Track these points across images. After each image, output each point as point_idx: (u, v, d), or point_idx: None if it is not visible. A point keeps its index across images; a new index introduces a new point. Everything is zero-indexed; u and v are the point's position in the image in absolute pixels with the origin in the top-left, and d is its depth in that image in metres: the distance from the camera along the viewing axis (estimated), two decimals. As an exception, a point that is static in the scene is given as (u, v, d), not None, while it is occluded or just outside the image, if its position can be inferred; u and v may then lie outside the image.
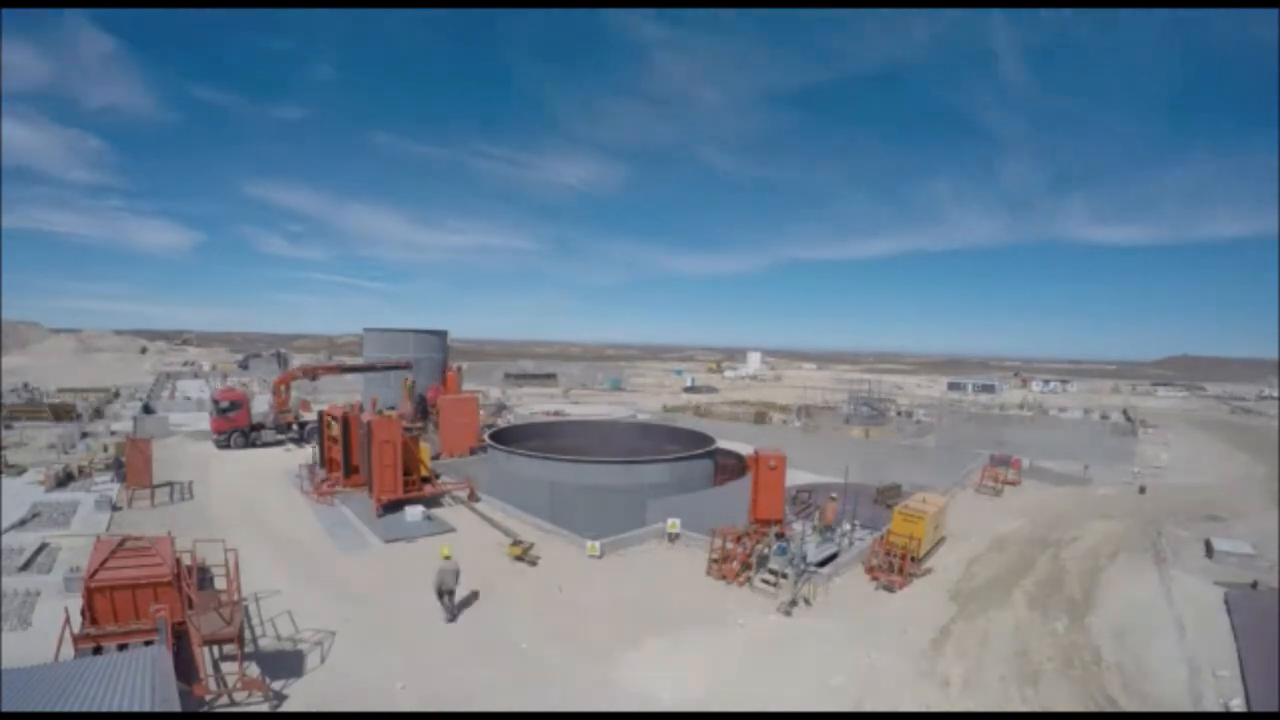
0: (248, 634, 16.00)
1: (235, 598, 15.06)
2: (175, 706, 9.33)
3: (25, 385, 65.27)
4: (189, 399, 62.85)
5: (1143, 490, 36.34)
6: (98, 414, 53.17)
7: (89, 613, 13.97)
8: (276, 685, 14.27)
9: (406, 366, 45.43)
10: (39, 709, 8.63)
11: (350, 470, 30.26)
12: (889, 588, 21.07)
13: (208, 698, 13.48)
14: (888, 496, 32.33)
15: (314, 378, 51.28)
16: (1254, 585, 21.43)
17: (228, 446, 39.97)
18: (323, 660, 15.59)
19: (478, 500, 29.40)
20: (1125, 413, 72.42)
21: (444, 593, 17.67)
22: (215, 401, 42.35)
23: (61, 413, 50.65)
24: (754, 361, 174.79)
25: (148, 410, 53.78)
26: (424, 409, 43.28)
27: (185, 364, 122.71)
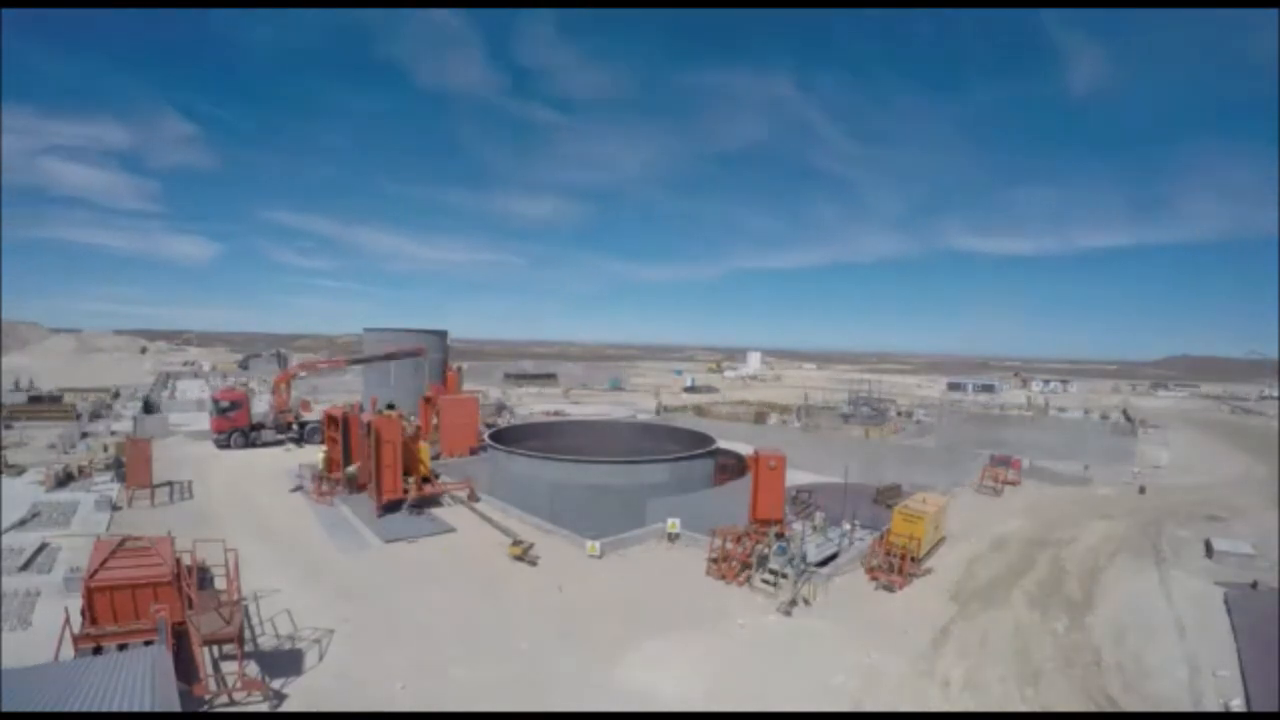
0: (247, 634, 15.99)
1: (235, 598, 15.06)
2: (175, 706, 9.32)
3: (16, 385, 64.99)
4: (189, 399, 62.86)
5: (1143, 490, 36.34)
6: (95, 415, 53.14)
7: (89, 613, 13.96)
8: (276, 684, 14.27)
9: (419, 353, 44.94)
10: (39, 709, 8.62)
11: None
12: (889, 588, 21.06)
13: (208, 697, 13.48)
14: (888, 496, 32.31)
15: (316, 373, 50.80)
16: (1254, 585, 21.43)
17: (228, 446, 39.95)
18: (321, 658, 15.60)
19: (478, 500, 29.39)
20: (1125, 413, 72.42)
21: None
22: (215, 401, 42.33)
23: (66, 410, 50.99)
24: (754, 361, 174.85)
25: (148, 410, 53.78)
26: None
27: (185, 364, 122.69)
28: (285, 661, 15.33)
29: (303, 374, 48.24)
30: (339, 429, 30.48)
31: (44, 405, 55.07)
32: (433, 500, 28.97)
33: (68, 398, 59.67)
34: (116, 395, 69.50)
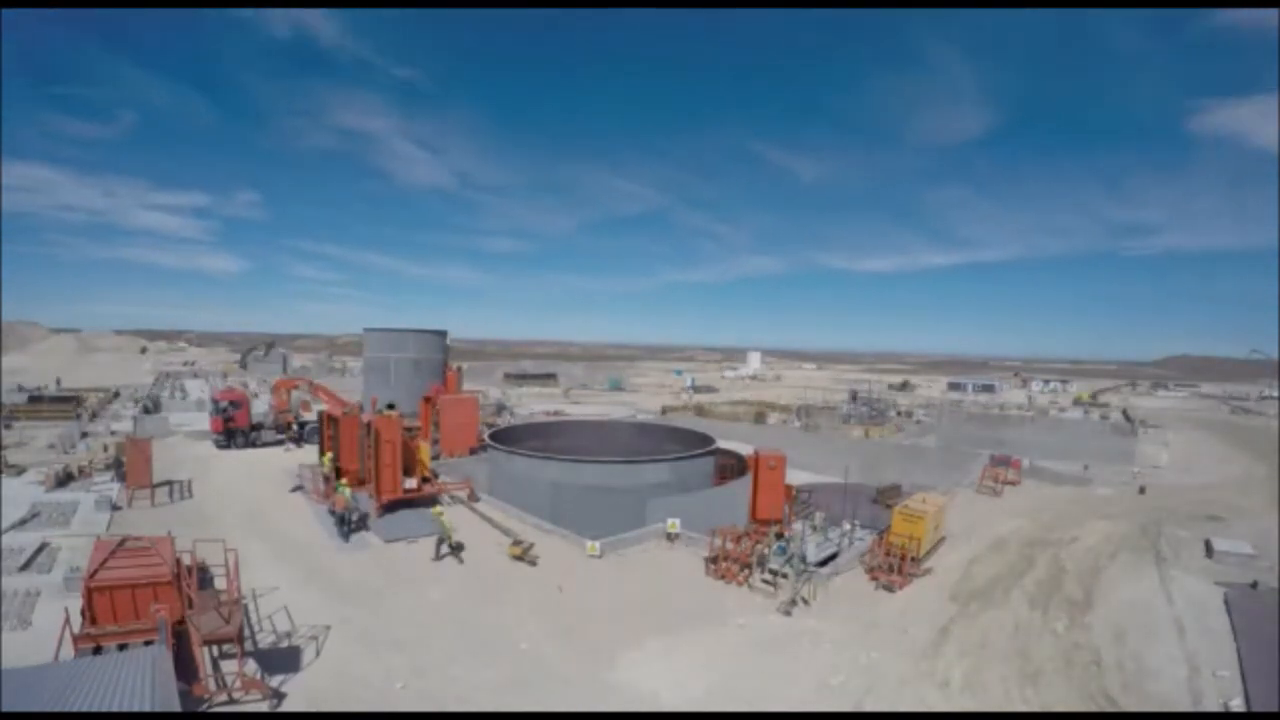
0: (246, 633, 15.99)
1: (235, 597, 15.07)
2: (175, 706, 9.32)
3: (19, 387, 65.01)
4: (189, 399, 62.84)
5: (1142, 490, 36.34)
6: (93, 415, 53.17)
7: (89, 613, 13.96)
8: (275, 683, 14.28)
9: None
10: (39, 709, 8.62)
11: (339, 471, 30.03)
12: (889, 588, 21.06)
13: (207, 697, 13.49)
14: (888, 496, 32.31)
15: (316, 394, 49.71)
16: (1254, 585, 21.42)
17: (228, 447, 39.94)
18: (318, 653, 15.64)
19: (478, 500, 29.39)
20: (1125, 413, 72.40)
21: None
22: (215, 401, 42.30)
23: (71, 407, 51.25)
24: (754, 362, 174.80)
25: (149, 410, 53.77)
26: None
27: (185, 364, 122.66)
28: (284, 661, 15.33)
29: (300, 386, 48.07)
30: (335, 429, 30.51)
31: (44, 405, 55.07)
32: (432, 500, 28.95)
33: (89, 398, 60.37)
34: (116, 395, 69.53)
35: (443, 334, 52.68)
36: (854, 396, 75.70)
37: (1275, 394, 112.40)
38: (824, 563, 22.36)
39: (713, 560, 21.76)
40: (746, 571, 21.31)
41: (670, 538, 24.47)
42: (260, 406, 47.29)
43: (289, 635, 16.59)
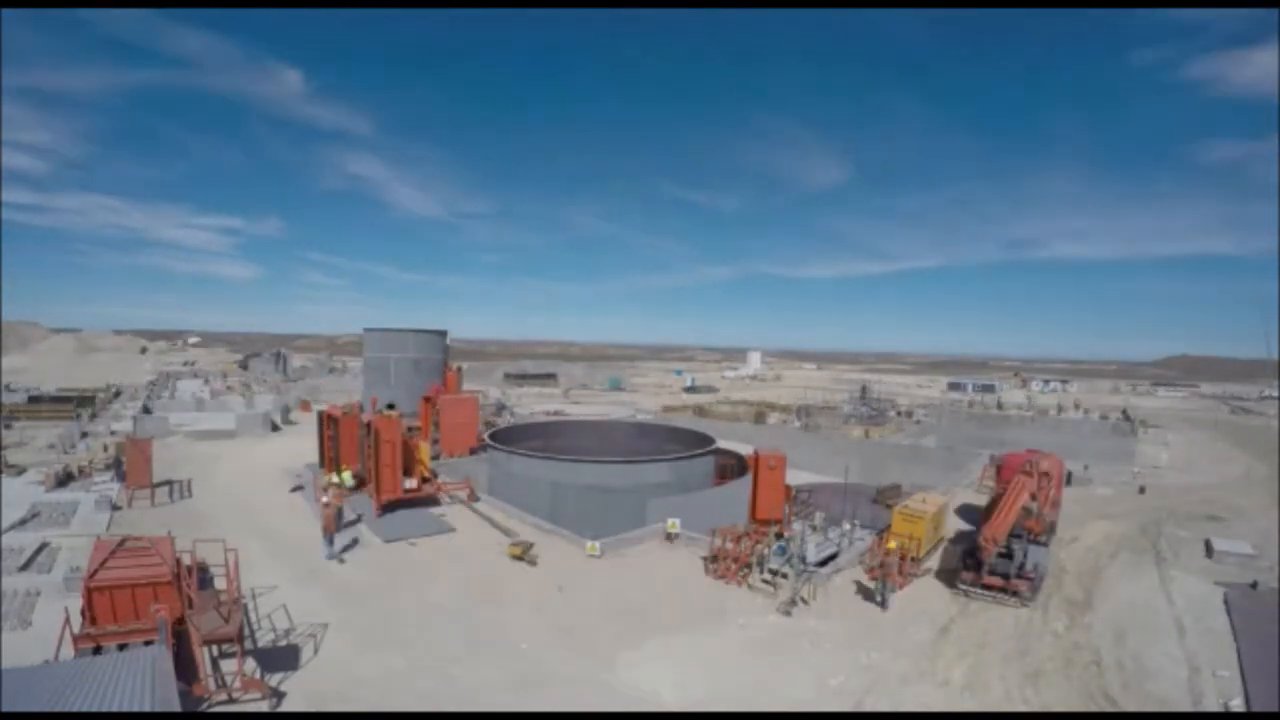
0: (246, 633, 15.99)
1: (235, 597, 15.07)
2: (175, 706, 9.32)
3: (8, 386, 64.89)
4: (188, 399, 62.84)
5: (1143, 490, 36.32)
6: (93, 415, 53.18)
7: (89, 613, 13.95)
8: (275, 682, 14.29)
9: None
10: (39, 709, 8.62)
11: (337, 472, 30.07)
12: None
13: (207, 697, 13.49)
14: (888, 496, 32.31)
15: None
16: (1254, 585, 21.43)
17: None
18: (316, 650, 15.65)
19: (477, 500, 29.39)
20: (1125, 413, 72.35)
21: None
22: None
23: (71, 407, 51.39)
24: (754, 361, 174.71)
25: (149, 409, 53.77)
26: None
27: (185, 364, 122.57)
28: (284, 660, 15.34)
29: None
30: (335, 429, 30.53)
31: (44, 405, 55.11)
32: (432, 500, 28.96)
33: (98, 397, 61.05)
34: (117, 394, 69.58)
35: (443, 334, 52.62)
36: (864, 392, 75.74)
37: (1275, 394, 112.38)
38: (824, 563, 22.34)
39: (712, 560, 21.76)
40: (746, 571, 21.31)
41: (670, 538, 24.47)
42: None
43: (289, 635, 16.60)
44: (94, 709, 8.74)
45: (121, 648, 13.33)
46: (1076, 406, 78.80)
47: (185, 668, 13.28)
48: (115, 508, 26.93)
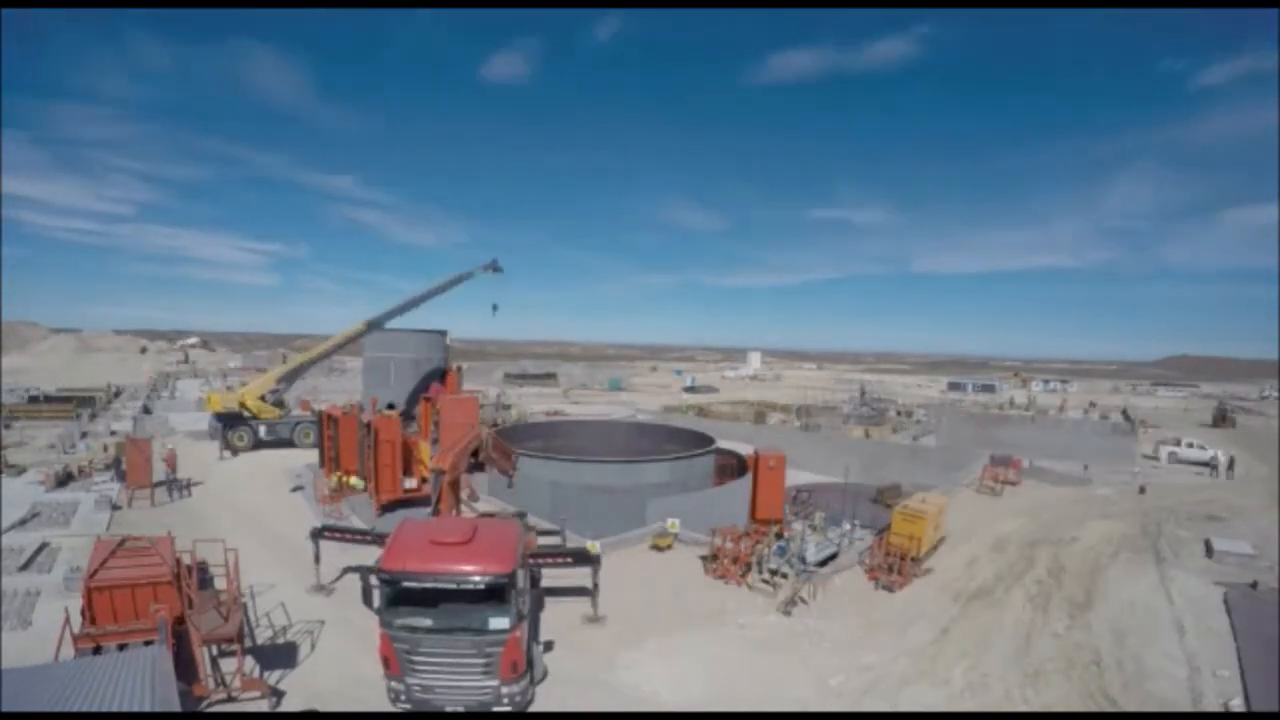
0: (246, 632, 16.00)
1: (235, 597, 15.07)
2: (175, 706, 9.31)
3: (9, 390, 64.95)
4: (188, 399, 62.84)
5: (1143, 490, 36.34)
6: (93, 415, 53.15)
7: (89, 613, 13.94)
8: (275, 682, 14.29)
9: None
10: (39, 709, 8.62)
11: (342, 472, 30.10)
12: (889, 588, 21.06)
13: (207, 696, 13.49)
14: (888, 496, 32.32)
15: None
16: (1254, 585, 21.43)
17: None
18: (318, 652, 15.64)
19: (477, 500, 29.38)
20: (1125, 412, 72.32)
21: None
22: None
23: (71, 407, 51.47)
24: (754, 361, 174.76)
25: (149, 409, 53.80)
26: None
27: (180, 363, 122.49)
28: (284, 660, 15.35)
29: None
30: (334, 429, 30.53)
31: (44, 405, 55.11)
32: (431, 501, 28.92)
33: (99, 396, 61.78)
34: (118, 394, 69.59)
35: (443, 333, 52.63)
36: (862, 393, 75.71)
37: (1275, 394, 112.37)
38: (824, 563, 22.35)
39: (712, 559, 21.75)
40: (746, 571, 21.31)
41: (659, 549, 24.32)
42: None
43: (288, 634, 16.61)
44: (94, 709, 8.73)
45: (121, 648, 13.32)
46: (1089, 408, 78.23)
47: (185, 668, 13.27)
48: (115, 508, 26.94)
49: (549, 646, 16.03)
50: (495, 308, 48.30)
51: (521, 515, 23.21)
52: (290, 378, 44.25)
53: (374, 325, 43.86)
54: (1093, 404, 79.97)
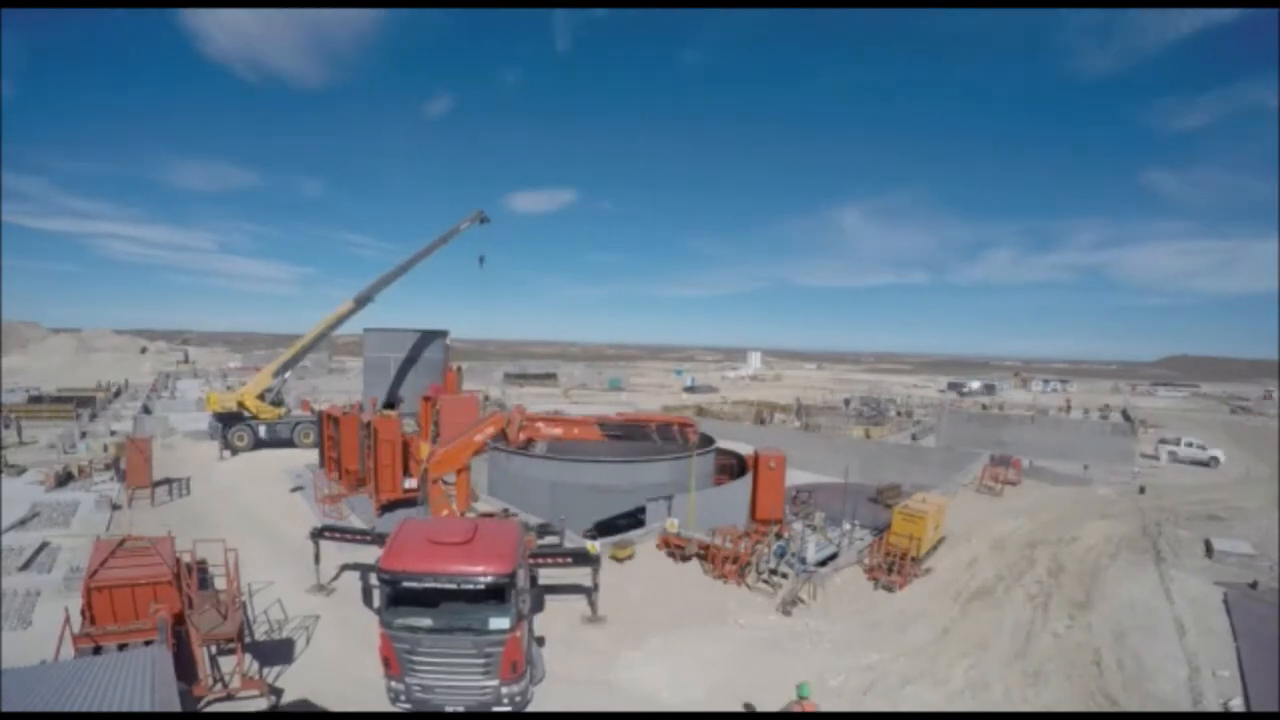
0: (245, 631, 16.00)
1: (235, 596, 15.07)
2: (175, 706, 9.31)
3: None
4: (189, 399, 62.84)
5: (1143, 490, 36.34)
6: (93, 415, 53.17)
7: (89, 612, 13.94)
8: (272, 679, 14.32)
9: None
10: (39, 709, 8.61)
11: (342, 472, 30.12)
12: (889, 588, 21.06)
13: (206, 696, 13.50)
14: (888, 496, 32.31)
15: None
16: (1254, 585, 21.43)
17: None
18: (316, 650, 15.65)
19: (477, 500, 29.36)
20: (1125, 413, 72.29)
21: None
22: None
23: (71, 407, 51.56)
24: (754, 361, 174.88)
25: (149, 409, 53.82)
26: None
27: (178, 363, 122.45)
28: (284, 659, 15.37)
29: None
30: (335, 429, 30.53)
31: (44, 405, 55.13)
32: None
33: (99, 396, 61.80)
34: (118, 394, 69.60)
35: (443, 333, 52.61)
36: (859, 401, 75.69)
37: (1276, 394, 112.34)
38: (824, 563, 22.34)
39: (702, 556, 21.73)
40: (746, 571, 21.30)
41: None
42: None
43: (288, 634, 16.61)
44: (94, 709, 8.73)
45: (121, 647, 13.31)
46: (1089, 410, 77.99)
47: (185, 667, 13.28)
48: (115, 507, 26.93)
49: (541, 641, 16.04)
50: (482, 259, 46.81)
51: (506, 512, 23.16)
52: (285, 368, 43.88)
53: (362, 300, 42.10)
54: (1107, 406, 79.49)
